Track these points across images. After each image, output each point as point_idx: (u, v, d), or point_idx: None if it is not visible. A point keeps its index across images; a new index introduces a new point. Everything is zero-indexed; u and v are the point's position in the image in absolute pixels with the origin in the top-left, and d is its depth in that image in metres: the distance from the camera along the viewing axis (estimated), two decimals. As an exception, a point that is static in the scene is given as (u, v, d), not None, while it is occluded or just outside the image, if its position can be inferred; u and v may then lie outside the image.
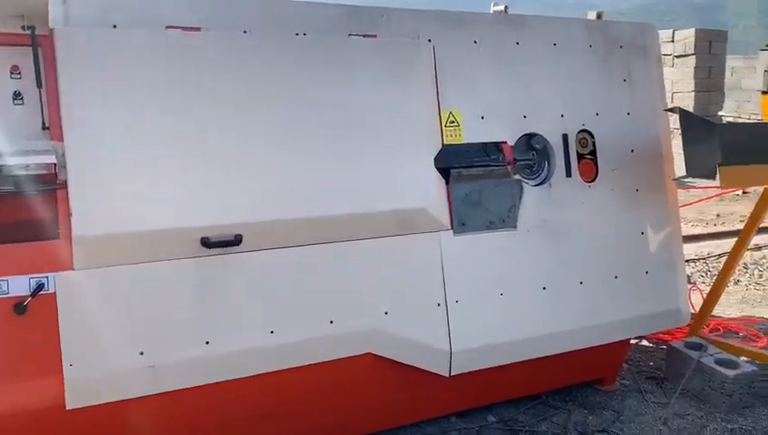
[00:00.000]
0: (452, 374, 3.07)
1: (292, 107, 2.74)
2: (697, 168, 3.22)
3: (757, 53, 12.82)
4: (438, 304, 3.03)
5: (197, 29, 2.64)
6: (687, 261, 6.69)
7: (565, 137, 3.38)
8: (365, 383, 2.98)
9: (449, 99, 3.10)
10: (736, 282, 6.30)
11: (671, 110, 3.25)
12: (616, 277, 3.47)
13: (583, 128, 3.43)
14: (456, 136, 3.11)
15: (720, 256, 6.92)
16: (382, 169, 2.89)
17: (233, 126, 2.63)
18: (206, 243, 2.54)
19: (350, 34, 2.92)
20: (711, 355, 3.84)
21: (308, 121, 2.76)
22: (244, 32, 2.72)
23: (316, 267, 2.77)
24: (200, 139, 2.58)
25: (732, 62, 14.64)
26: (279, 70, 2.74)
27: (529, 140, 3.31)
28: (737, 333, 4.89)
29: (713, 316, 4.98)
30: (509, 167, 3.23)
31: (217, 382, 2.63)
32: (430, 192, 3.00)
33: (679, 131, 3.39)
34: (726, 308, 5.56)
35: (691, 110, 13.58)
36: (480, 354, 3.13)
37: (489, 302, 3.15)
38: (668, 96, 14.13)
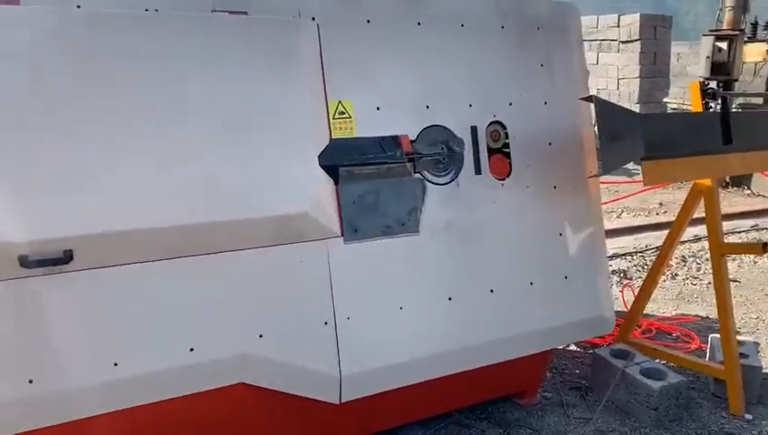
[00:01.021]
0: (343, 401, 2.73)
1: (140, 96, 2.33)
2: (615, 164, 2.94)
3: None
4: (326, 323, 2.68)
5: (15, 2, 2.20)
6: (624, 255, 6.54)
7: (474, 129, 3.06)
8: (238, 417, 2.62)
9: (338, 87, 2.73)
10: (674, 276, 6.16)
11: (587, 98, 2.96)
12: (531, 284, 3.18)
13: (495, 119, 3.12)
14: (346, 129, 2.75)
15: (659, 248, 6.77)
16: (255, 168, 2.50)
17: (60, 119, 2.21)
18: (25, 262, 2.12)
19: (213, 10, 2.52)
20: (637, 364, 3.60)
21: (161, 113, 2.36)
22: (78, 6, 2.30)
23: (172, 286, 2.38)
24: (16, 136, 2.14)
25: (678, 48, 14.68)
26: (122, 53, 2.32)
27: (432, 134, 2.97)
28: (670, 334, 4.71)
29: (646, 315, 4.79)
30: (409, 164, 2.88)
31: (49, 427, 2.22)
32: (314, 194, 2.63)
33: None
34: (662, 305, 5.39)
35: (636, 96, 13.58)
36: (376, 377, 2.80)
37: (387, 317, 2.82)
38: (614, 82, 14.09)
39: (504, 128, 3.14)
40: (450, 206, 2.98)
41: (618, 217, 8.94)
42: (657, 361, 3.86)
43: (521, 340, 3.17)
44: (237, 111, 2.47)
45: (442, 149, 2.97)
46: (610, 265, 6.20)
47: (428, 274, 2.93)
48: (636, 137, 3.02)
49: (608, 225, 8.05)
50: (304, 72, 2.65)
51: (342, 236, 2.72)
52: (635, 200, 9.39)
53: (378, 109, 2.83)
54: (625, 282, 5.81)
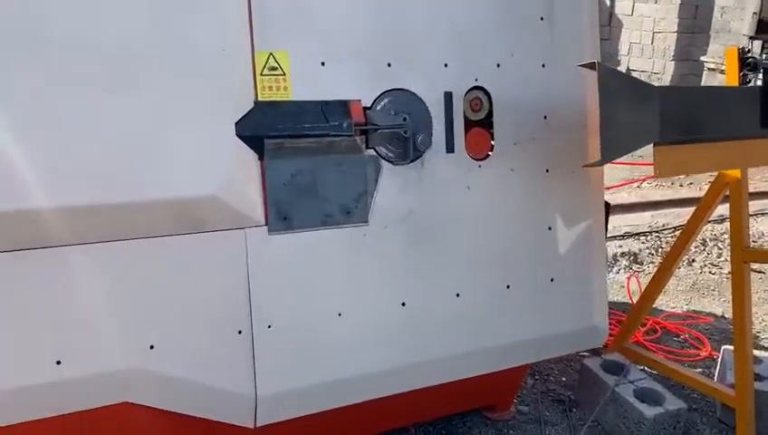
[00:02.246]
0: (259, 425, 2.28)
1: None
2: (620, 150, 2.36)
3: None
4: (240, 332, 2.20)
5: None
6: (638, 234, 5.97)
7: (448, 96, 2.49)
8: (125, 442, 2.18)
9: (270, 34, 2.17)
10: (690, 262, 5.59)
11: (589, 65, 2.37)
12: (508, 287, 2.67)
13: (476, 84, 2.54)
14: (278, 90, 2.20)
15: (677, 228, 6.19)
16: (142, 133, 1.97)
17: None
18: None
19: None
20: (631, 382, 3.11)
21: (9, 55, 1.81)
22: None
23: (30, 283, 1.90)
24: None
25: (722, 1, 13.60)
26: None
27: (393, 100, 2.40)
28: (678, 336, 4.19)
29: (653, 310, 4.27)
30: (360, 137, 2.34)
31: None
32: (227, 172, 2.11)
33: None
34: (672, 298, 4.86)
35: (671, 52, 12.66)
36: (303, 397, 2.34)
37: (320, 326, 2.34)
38: (649, 36, 13.15)
39: (489, 95, 2.57)
40: (411, 191, 2.45)
41: (638, 186, 8.31)
42: (656, 372, 3.37)
43: (491, 354, 2.69)
44: (118, 52, 1.91)
45: (404, 119, 2.41)
46: (620, 247, 5.65)
47: (378, 274, 2.43)
48: (649, 116, 2.43)
49: (624, 198, 7.46)
50: (221, 10, 2.08)
51: (267, 225, 2.21)
52: (658, 169, 8.71)
53: (323, 65, 2.27)
54: (635, 268, 5.27)
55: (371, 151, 2.38)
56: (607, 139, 2.22)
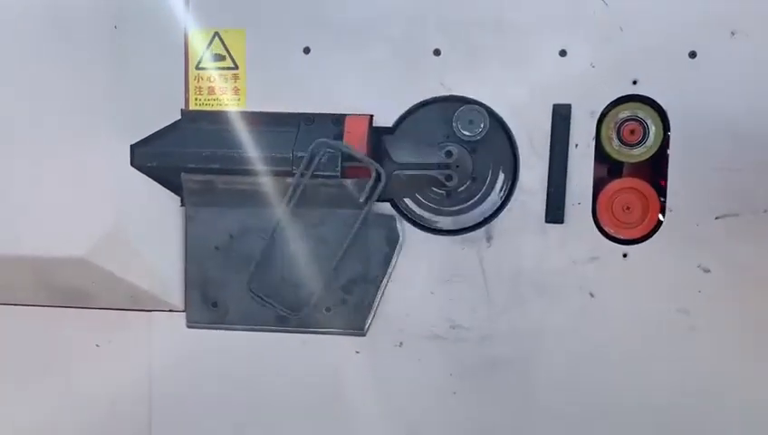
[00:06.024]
0: None
1: None
2: None
3: None
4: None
5: None
6: None
7: (562, 112, 1.33)
8: None
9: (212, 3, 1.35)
10: None
11: None
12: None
13: (634, 92, 1.30)
14: (223, 93, 1.37)
15: None
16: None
17: None
18: None
19: None
20: None
21: None
22: None
23: None
24: None
25: None
26: None
27: (441, 117, 1.34)
28: None
29: None
30: (353, 181, 1.33)
31: None
32: (107, 224, 1.35)
33: None
34: None
35: None
36: None
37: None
38: None
39: (663, 115, 1.29)
40: (462, 286, 1.36)
41: None
42: None
43: None
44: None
45: (449, 154, 1.31)
46: None
47: (379, 426, 1.40)
48: None
49: None
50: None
51: (185, 311, 1.39)
52: None
53: (306, 51, 1.33)
54: None
55: (384, 207, 1.35)
56: None
